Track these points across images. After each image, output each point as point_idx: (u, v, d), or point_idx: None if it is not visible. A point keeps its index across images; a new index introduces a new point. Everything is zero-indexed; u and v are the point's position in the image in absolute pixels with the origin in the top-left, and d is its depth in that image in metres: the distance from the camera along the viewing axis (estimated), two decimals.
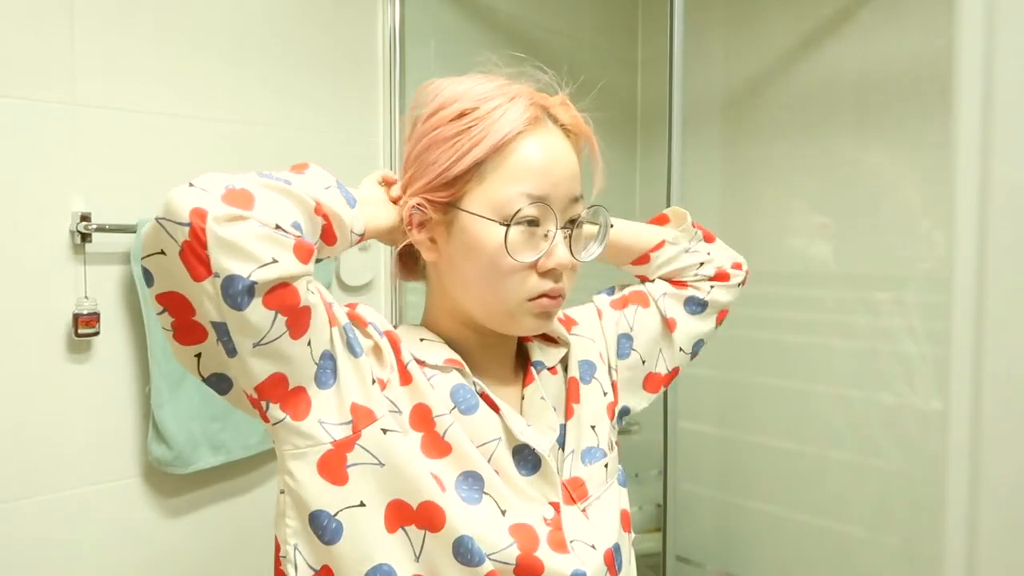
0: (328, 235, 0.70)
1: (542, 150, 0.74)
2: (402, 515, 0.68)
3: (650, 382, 0.95)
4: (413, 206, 0.77)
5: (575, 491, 0.79)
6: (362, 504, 0.68)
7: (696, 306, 0.98)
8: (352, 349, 0.69)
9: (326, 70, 1.65)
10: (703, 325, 0.99)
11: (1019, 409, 0.85)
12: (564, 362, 0.87)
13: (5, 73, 1.22)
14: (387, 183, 0.83)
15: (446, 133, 0.74)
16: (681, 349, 0.97)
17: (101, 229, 1.29)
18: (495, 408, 0.76)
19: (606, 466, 0.83)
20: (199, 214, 0.60)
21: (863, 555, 1.78)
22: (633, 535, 0.87)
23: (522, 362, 0.85)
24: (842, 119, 1.85)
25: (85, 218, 1.28)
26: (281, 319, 0.63)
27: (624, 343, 0.93)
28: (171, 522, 1.43)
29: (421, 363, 0.75)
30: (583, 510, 0.79)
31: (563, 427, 0.82)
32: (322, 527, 0.67)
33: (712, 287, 0.99)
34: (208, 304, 0.62)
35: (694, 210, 1.03)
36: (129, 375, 1.37)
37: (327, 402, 0.67)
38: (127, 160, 1.36)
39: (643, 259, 0.97)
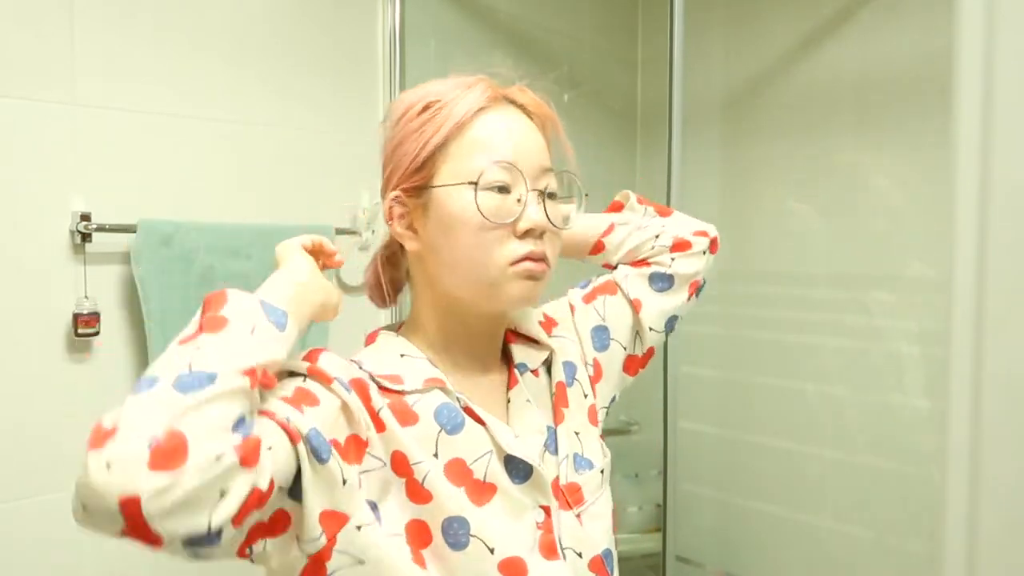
0: (272, 381, 0.64)
1: (503, 122, 0.77)
2: None
3: (629, 365, 0.95)
4: (392, 200, 0.79)
5: (571, 496, 0.79)
6: None
7: (662, 282, 0.95)
8: (318, 456, 0.63)
9: (326, 70, 1.65)
10: (674, 300, 0.96)
11: (1019, 409, 0.85)
12: (547, 364, 0.87)
13: (5, 73, 1.22)
14: (316, 252, 0.79)
15: (413, 127, 0.77)
16: (651, 328, 0.94)
17: (101, 229, 1.29)
18: (481, 422, 0.76)
19: (602, 472, 0.84)
20: (130, 504, 0.52)
21: (863, 555, 1.78)
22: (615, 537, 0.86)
23: (505, 364, 0.86)
24: (842, 119, 1.85)
25: (85, 218, 1.28)
26: (255, 518, 0.60)
27: (599, 335, 0.93)
28: None
29: (400, 392, 0.74)
30: (578, 515, 0.79)
31: (553, 431, 0.82)
32: None
33: (674, 259, 0.95)
34: (176, 550, 0.56)
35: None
36: (129, 375, 1.37)
37: (296, 521, 0.66)
38: (127, 160, 1.36)
39: (598, 247, 0.97)
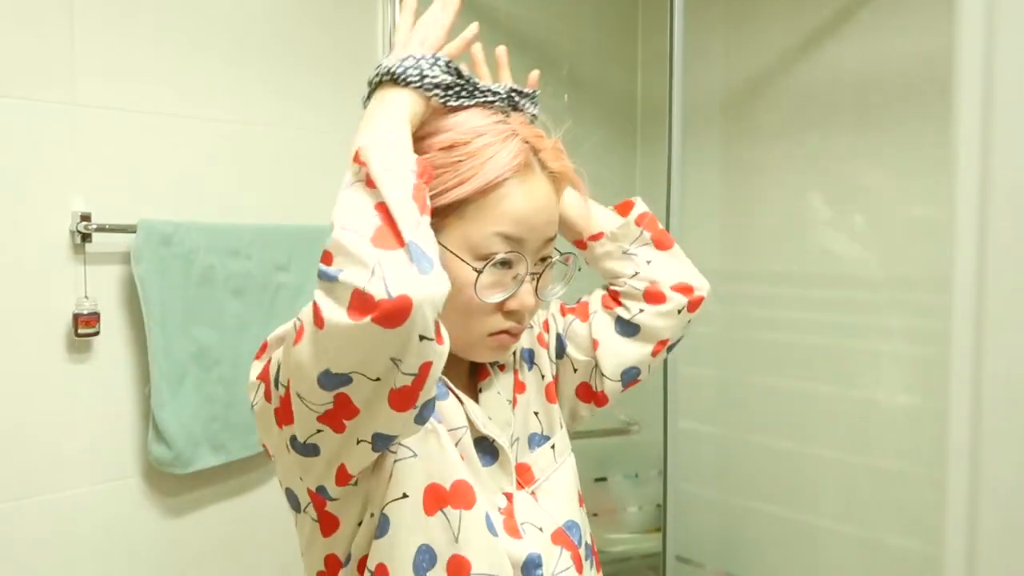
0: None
1: (526, 199, 0.74)
2: (438, 497, 0.71)
3: (581, 392, 0.92)
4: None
5: (522, 476, 0.81)
6: (404, 496, 0.70)
7: (626, 327, 0.89)
8: None
9: (326, 70, 1.65)
10: (635, 350, 0.88)
11: (1019, 409, 0.85)
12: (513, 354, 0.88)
13: (5, 73, 1.22)
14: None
15: (434, 163, 0.73)
16: (605, 375, 0.88)
17: (101, 229, 1.29)
18: (459, 399, 0.78)
19: (552, 447, 0.85)
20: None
21: (862, 555, 1.78)
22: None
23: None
24: (842, 119, 1.85)
25: (85, 218, 1.28)
26: None
27: (559, 345, 0.92)
28: (171, 522, 1.43)
29: None
30: (532, 493, 0.80)
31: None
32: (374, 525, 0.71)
33: (642, 309, 0.88)
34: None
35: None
36: (129, 375, 1.37)
37: None
38: (127, 160, 1.36)
39: (582, 245, 0.91)
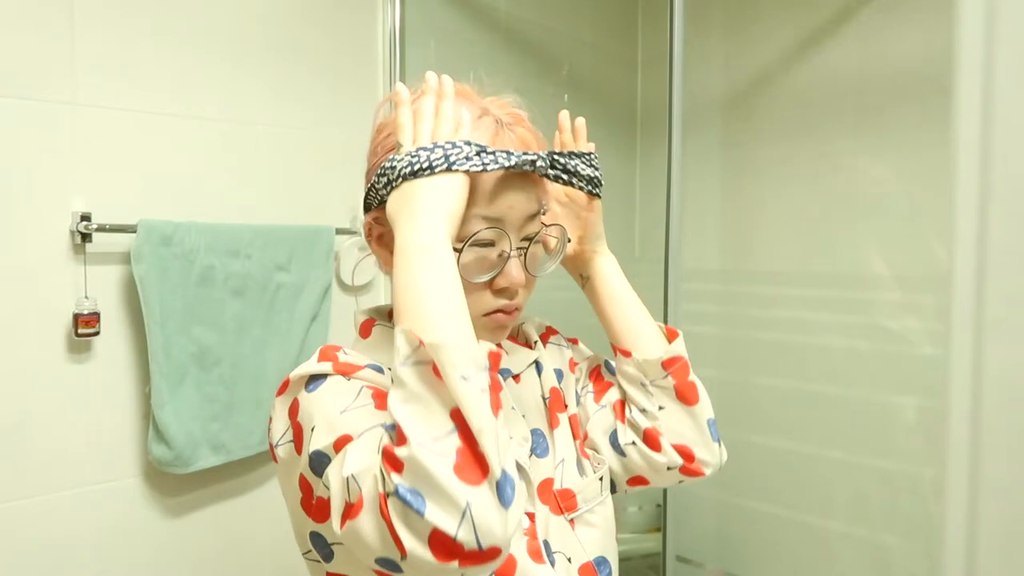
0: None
1: (498, 177, 0.73)
2: None
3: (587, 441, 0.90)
4: (372, 219, 0.77)
5: (564, 502, 0.79)
6: None
7: (616, 446, 0.87)
8: None
9: (326, 70, 1.65)
10: (614, 463, 0.87)
11: (1019, 409, 0.85)
12: (538, 368, 0.87)
13: (5, 73, 1.22)
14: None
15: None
16: (588, 437, 0.88)
17: (101, 229, 1.29)
18: None
19: (601, 479, 0.83)
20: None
21: (863, 555, 1.78)
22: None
23: None
24: (842, 119, 1.85)
25: (85, 218, 1.28)
26: None
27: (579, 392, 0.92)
28: (171, 522, 1.43)
29: None
30: (570, 520, 0.79)
31: (538, 433, 0.82)
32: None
33: (634, 442, 0.85)
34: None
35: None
36: (129, 375, 1.37)
37: None
38: (127, 160, 1.36)
39: (612, 341, 0.89)
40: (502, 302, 0.75)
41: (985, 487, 0.86)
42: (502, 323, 0.76)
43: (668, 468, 0.84)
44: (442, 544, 0.54)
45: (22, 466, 1.25)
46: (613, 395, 0.89)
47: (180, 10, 1.42)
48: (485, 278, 0.73)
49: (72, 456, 1.30)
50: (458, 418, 0.57)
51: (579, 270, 0.90)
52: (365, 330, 0.81)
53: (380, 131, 0.79)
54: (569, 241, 0.85)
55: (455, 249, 0.68)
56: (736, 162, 2.07)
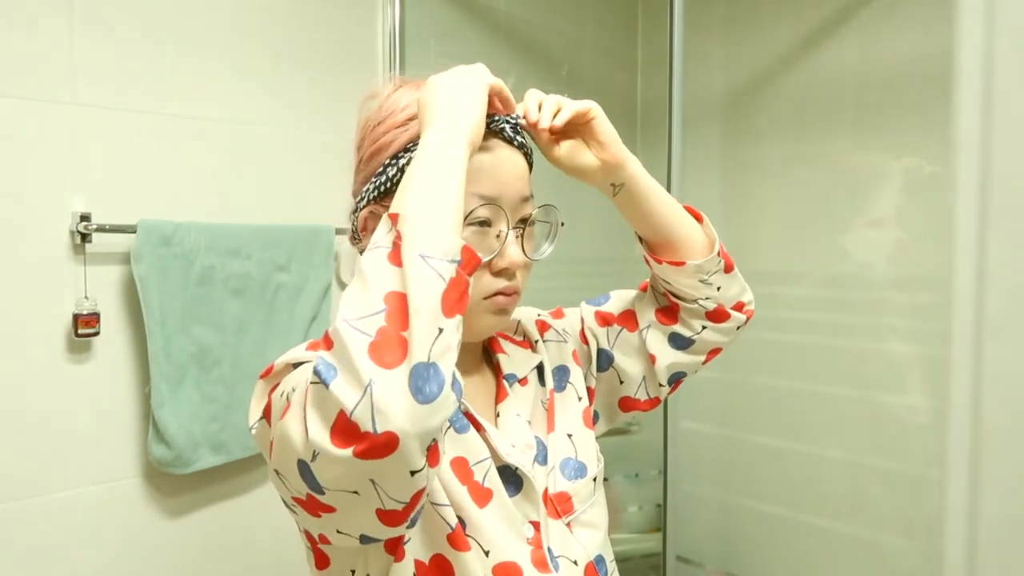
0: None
1: (490, 152, 0.74)
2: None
3: (625, 404, 0.93)
4: (365, 215, 0.76)
5: (560, 505, 0.79)
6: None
7: (682, 342, 0.90)
8: None
9: (326, 70, 1.65)
10: (687, 359, 0.91)
11: (1019, 409, 0.85)
12: (540, 370, 0.86)
13: (5, 73, 1.22)
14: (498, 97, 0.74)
15: (393, 139, 0.74)
16: (660, 383, 0.91)
17: (101, 229, 1.29)
18: (480, 428, 0.76)
19: (594, 479, 0.83)
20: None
21: (862, 555, 1.78)
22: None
23: (491, 371, 0.85)
24: (842, 119, 1.85)
25: (85, 218, 1.28)
26: None
27: (604, 358, 0.92)
28: (171, 522, 1.43)
29: None
30: (567, 524, 0.79)
31: (540, 440, 0.82)
32: None
33: (704, 327, 0.89)
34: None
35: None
36: (129, 375, 1.37)
37: None
38: (127, 160, 1.36)
39: (655, 255, 0.88)
40: (501, 283, 0.75)
41: (985, 487, 0.86)
42: (503, 306, 0.76)
43: (736, 328, 0.91)
44: (341, 426, 0.52)
45: (22, 466, 1.25)
46: (645, 315, 0.91)
47: (180, 10, 1.42)
48: (485, 258, 0.72)
49: (72, 456, 1.30)
50: (392, 300, 0.55)
51: (609, 179, 0.82)
52: None
53: (368, 125, 0.78)
54: (562, 225, 0.83)
55: None
56: (736, 162, 2.07)
